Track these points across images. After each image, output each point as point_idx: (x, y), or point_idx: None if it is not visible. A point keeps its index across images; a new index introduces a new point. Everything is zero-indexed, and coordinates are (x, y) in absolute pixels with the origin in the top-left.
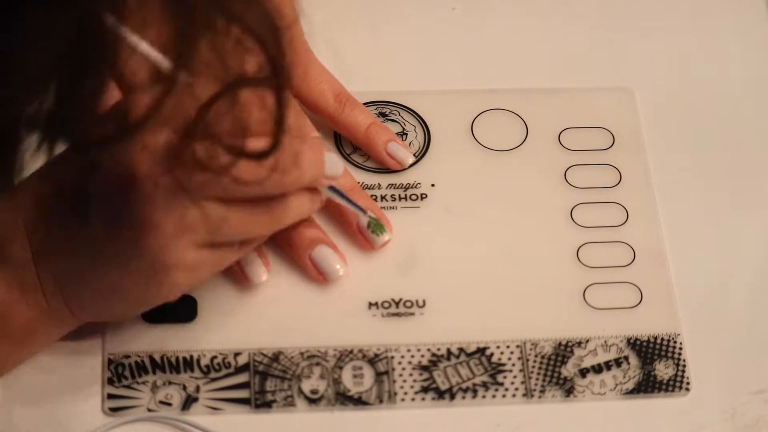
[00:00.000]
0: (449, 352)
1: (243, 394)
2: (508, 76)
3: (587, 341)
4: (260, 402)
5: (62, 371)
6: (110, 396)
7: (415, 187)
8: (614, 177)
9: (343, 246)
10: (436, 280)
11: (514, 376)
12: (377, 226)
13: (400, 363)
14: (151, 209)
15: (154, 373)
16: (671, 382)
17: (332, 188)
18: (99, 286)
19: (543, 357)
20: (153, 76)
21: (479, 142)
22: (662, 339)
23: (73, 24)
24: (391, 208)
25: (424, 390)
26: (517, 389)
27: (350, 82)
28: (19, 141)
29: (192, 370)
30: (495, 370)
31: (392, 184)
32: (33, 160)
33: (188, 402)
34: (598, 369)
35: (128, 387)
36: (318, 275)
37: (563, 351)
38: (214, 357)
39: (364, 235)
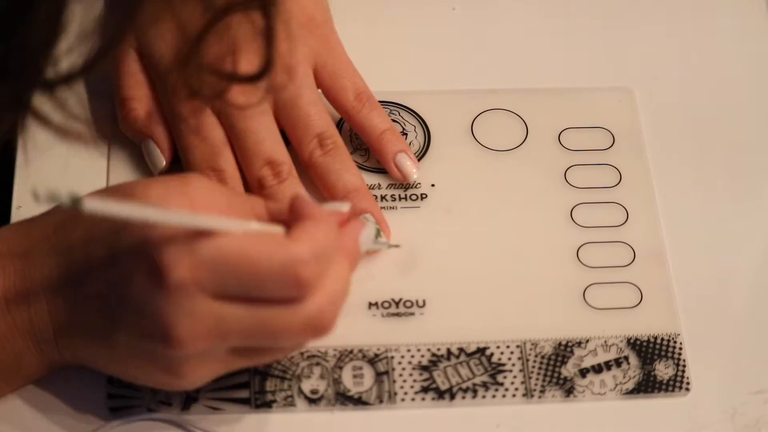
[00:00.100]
0: (449, 352)
1: (243, 394)
2: (508, 76)
3: (587, 341)
4: (260, 402)
5: (63, 371)
6: (110, 396)
7: (415, 187)
8: (614, 177)
9: None
10: (436, 280)
11: (514, 376)
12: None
13: (400, 363)
14: (175, 323)
15: None
16: (671, 382)
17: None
18: (118, 372)
19: (543, 357)
20: None
21: (479, 142)
22: (662, 339)
23: None
24: (391, 208)
25: (424, 390)
26: (517, 389)
27: None
28: None
29: None
30: (495, 370)
31: (392, 184)
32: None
33: (188, 402)
34: (598, 369)
35: (129, 387)
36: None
37: (563, 351)
38: None
39: None
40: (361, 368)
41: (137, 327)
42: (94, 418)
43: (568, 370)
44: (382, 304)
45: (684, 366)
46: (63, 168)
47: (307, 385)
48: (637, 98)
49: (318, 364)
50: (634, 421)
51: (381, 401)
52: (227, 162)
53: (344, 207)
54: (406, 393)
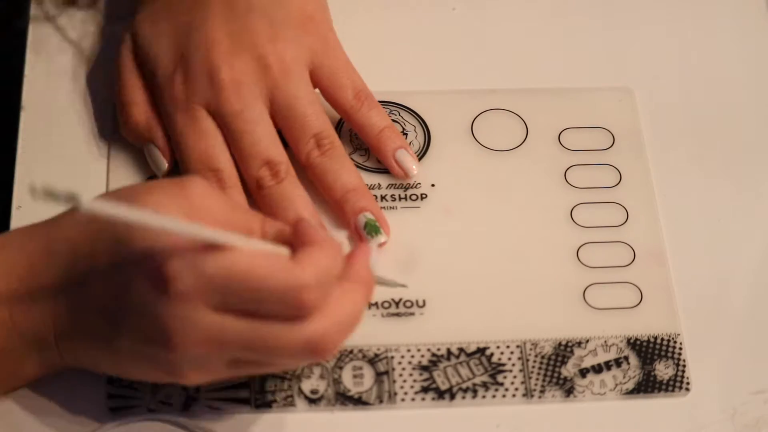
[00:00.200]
0: (449, 352)
1: (243, 393)
2: (508, 76)
3: (587, 341)
4: (260, 402)
5: (63, 371)
6: (111, 396)
7: (415, 187)
8: (614, 177)
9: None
10: (436, 280)
11: (514, 376)
12: (372, 228)
13: (400, 363)
14: (175, 328)
15: None
16: (671, 382)
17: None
18: (119, 374)
19: (543, 357)
20: None
21: (479, 142)
22: (662, 339)
23: None
24: (391, 208)
25: (424, 390)
26: (517, 389)
27: None
28: None
29: None
30: (495, 370)
31: (392, 184)
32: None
33: (188, 402)
34: (598, 369)
35: (129, 387)
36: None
37: (563, 351)
38: None
39: (360, 234)
40: (361, 368)
41: (139, 332)
42: (94, 419)
43: (568, 370)
44: (382, 304)
45: (684, 366)
46: (63, 168)
47: (307, 385)
48: (637, 98)
49: (318, 364)
50: (634, 421)
51: (381, 401)
52: (225, 162)
53: (341, 235)
54: (406, 393)
